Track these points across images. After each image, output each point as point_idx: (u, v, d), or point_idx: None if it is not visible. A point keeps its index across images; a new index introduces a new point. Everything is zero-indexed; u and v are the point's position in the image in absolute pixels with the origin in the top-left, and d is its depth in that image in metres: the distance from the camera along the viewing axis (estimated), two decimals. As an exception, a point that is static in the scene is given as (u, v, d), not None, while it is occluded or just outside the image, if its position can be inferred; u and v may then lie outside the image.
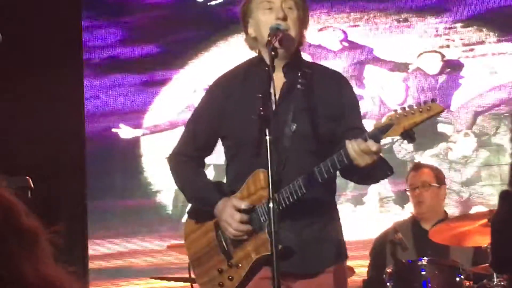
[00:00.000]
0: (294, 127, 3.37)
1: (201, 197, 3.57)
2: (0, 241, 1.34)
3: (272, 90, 3.17)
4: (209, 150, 3.68)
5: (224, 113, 3.53)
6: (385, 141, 3.61)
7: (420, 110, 3.07)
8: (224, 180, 3.68)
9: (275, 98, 3.38)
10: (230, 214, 3.40)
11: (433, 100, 3.09)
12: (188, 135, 3.66)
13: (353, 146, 3.11)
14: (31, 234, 1.41)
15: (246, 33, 3.59)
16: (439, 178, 5.61)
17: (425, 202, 5.51)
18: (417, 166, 5.74)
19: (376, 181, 3.55)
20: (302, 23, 3.49)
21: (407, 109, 3.09)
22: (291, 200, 3.28)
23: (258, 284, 3.44)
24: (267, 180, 3.22)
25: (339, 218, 3.56)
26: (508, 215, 2.82)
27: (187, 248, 3.68)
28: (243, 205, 3.38)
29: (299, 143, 3.36)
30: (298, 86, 3.43)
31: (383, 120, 3.17)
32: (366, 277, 5.67)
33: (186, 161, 3.64)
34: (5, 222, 1.37)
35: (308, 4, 3.58)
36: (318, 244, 3.42)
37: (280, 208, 3.17)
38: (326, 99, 3.47)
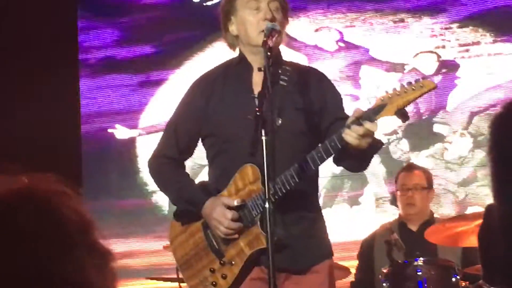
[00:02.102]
0: (280, 122, 3.39)
1: (187, 198, 3.55)
2: (76, 250, 1.39)
3: (266, 90, 3.17)
4: (190, 152, 3.68)
5: (206, 112, 3.54)
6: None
7: (413, 88, 3.10)
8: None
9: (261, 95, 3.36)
10: (220, 212, 3.39)
11: (424, 78, 3.12)
12: (169, 136, 3.64)
13: (350, 133, 3.12)
14: (104, 255, 1.47)
15: (226, 30, 3.61)
16: (430, 180, 5.62)
17: (416, 205, 5.52)
18: (409, 167, 5.72)
19: (370, 159, 3.46)
20: (285, 23, 3.53)
21: (399, 88, 3.11)
22: (284, 191, 3.28)
23: (249, 285, 3.44)
24: (256, 174, 3.27)
25: (322, 216, 3.58)
26: (492, 230, 2.82)
27: (174, 251, 3.65)
28: (235, 202, 3.38)
29: (285, 138, 3.37)
30: (281, 82, 3.46)
31: (375, 101, 3.18)
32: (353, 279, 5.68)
33: (168, 163, 3.62)
34: (83, 235, 1.43)
35: (289, 6, 3.60)
36: (306, 240, 3.44)
37: (273, 200, 3.15)
38: (308, 94, 3.50)
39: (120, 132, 7.37)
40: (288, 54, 3.95)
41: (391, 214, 6.63)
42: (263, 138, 3.04)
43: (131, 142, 7.36)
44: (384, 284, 4.80)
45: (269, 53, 3.22)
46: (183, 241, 3.60)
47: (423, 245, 5.12)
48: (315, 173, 3.47)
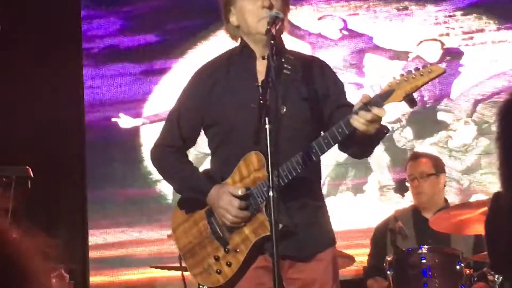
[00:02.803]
0: (284, 109, 3.39)
1: (192, 186, 3.54)
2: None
3: (270, 79, 3.16)
4: (193, 141, 3.67)
5: (209, 101, 3.53)
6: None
7: (421, 73, 3.10)
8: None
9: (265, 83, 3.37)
10: (228, 201, 3.39)
11: (432, 64, 3.12)
12: (172, 125, 3.62)
13: (358, 119, 3.13)
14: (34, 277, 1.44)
15: (228, 21, 3.63)
16: (438, 166, 5.59)
17: (424, 193, 5.51)
18: (415, 156, 5.71)
19: (376, 145, 3.46)
20: (286, 11, 3.51)
21: (406, 74, 3.10)
22: (290, 177, 3.28)
23: (252, 274, 3.44)
24: (261, 161, 3.29)
25: (325, 204, 3.59)
26: (500, 217, 2.82)
27: (177, 240, 3.64)
28: (240, 191, 3.37)
29: (289, 126, 3.38)
30: (284, 70, 3.46)
31: (383, 87, 3.18)
32: (366, 265, 5.68)
33: (171, 152, 3.60)
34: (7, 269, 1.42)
35: None
36: (310, 228, 3.44)
37: (279, 185, 3.16)
38: (311, 82, 3.50)
39: (124, 121, 7.37)
40: (291, 43, 3.94)
41: (395, 202, 6.64)
42: (267, 126, 3.04)
43: (135, 131, 7.36)
44: (388, 272, 4.81)
45: (272, 42, 3.21)
46: (186, 230, 3.60)
47: (436, 233, 5.11)
48: (318, 161, 3.47)
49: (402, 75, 3.13)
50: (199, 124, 3.60)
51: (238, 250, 3.44)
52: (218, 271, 3.49)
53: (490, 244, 2.94)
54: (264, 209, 3.36)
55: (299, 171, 3.28)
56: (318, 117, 3.47)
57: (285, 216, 3.30)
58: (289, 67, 3.48)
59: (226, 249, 3.47)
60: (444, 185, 5.66)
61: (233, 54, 3.61)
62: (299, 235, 3.39)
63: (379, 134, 3.29)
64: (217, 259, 3.50)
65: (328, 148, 3.27)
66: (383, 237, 5.44)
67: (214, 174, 3.55)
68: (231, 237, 3.46)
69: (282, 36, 3.55)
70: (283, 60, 3.47)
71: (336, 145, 3.34)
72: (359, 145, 3.38)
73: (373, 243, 5.60)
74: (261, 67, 3.42)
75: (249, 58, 3.53)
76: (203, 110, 3.55)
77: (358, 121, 3.14)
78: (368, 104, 3.13)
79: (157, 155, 3.65)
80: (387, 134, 3.59)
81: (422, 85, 3.12)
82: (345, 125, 3.19)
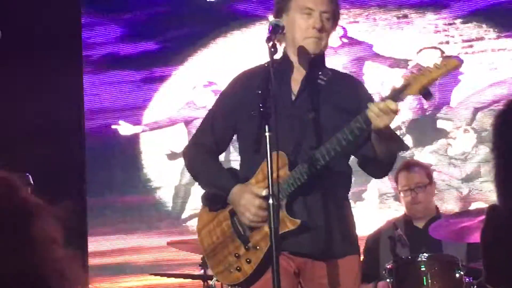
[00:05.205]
0: (312, 115, 3.49)
1: (216, 183, 3.61)
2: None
3: (270, 87, 3.19)
4: (227, 144, 3.75)
5: (243, 107, 3.58)
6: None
7: (437, 66, 3.18)
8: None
9: (297, 89, 3.54)
10: (248, 199, 3.45)
11: (448, 57, 3.20)
12: (207, 128, 3.72)
13: (372, 108, 3.23)
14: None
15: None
16: (429, 175, 5.59)
17: (420, 203, 5.49)
18: (408, 166, 5.62)
19: (393, 157, 3.59)
20: (331, 32, 3.63)
21: (422, 68, 3.20)
22: (327, 158, 3.36)
23: (269, 277, 3.44)
24: (283, 160, 3.38)
25: (351, 208, 3.68)
26: (497, 231, 2.82)
27: (201, 240, 3.70)
28: (264, 192, 3.40)
29: (316, 131, 3.48)
30: (319, 80, 3.56)
31: (401, 82, 3.26)
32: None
33: (203, 151, 3.68)
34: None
35: (340, 15, 3.70)
36: (334, 231, 3.50)
37: (314, 169, 3.33)
38: (344, 94, 3.61)
39: (124, 128, 7.38)
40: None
41: (395, 210, 6.63)
42: (267, 134, 3.08)
43: (135, 138, 7.36)
44: (388, 280, 4.80)
45: (272, 49, 3.24)
46: (210, 230, 3.65)
47: (428, 241, 5.12)
48: (349, 170, 3.63)
49: (418, 69, 3.20)
50: (232, 129, 3.67)
51: (258, 247, 3.50)
52: (238, 268, 3.53)
53: (486, 258, 2.94)
54: (284, 206, 3.41)
55: (323, 162, 3.35)
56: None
57: (305, 214, 3.42)
58: (325, 78, 3.58)
59: (247, 247, 3.52)
60: (434, 192, 5.66)
61: (274, 62, 3.62)
62: (320, 235, 3.45)
63: (394, 142, 3.42)
64: (237, 256, 3.54)
65: (347, 143, 3.34)
66: (375, 247, 5.43)
67: (239, 172, 3.63)
68: (252, 235, 3.52)
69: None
70: (320, 72, 3.58)
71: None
72: (377, 161, 3.49)
73: (366, 253, 5.58)
74: (296, 76, 3.57)
75: (286, 67, 3.60)
76: (235, 117, 3.62)
77: (373, 111, 3.23)
78: (385, 98, 3.24)
79: (189, 153, 3.74)
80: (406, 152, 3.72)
81: (438, 78, 3.20)
82: (362, 119, 3.29)
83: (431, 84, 3.19)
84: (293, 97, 3.55)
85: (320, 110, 3.51)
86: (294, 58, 3.61)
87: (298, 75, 3.57)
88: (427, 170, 5.60)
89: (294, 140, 3.47)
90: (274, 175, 3.42)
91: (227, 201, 3.56)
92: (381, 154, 3.46)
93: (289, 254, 3.46)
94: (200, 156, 3.69)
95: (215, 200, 3.61)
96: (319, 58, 3.62)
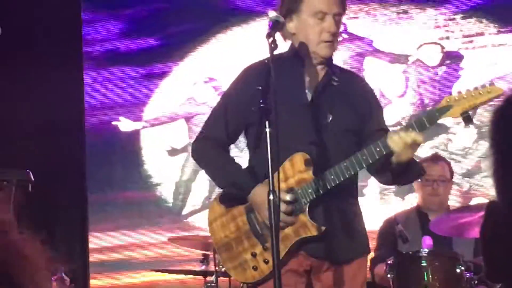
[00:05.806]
0: (330, 118, 3.48)
1: (235, 182, 3.56)
2: None
3: (270, 83, 3.17)
4: (237, 137, 3.69)
5: (255, 100, 3.52)
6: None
7: (480, 92, 3.20)
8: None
9: (315, 89, 3.53)
10: None
11: (492, 84, 3.20)
12: (218, 120, 3.64)
13: (395, 139, 3.27)
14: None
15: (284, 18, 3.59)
16: (452, 172, 5.67)
17: (440, 196, 5.53)
18: (436, 158, 5.71)
19: (407, 181, 3.68)
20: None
21: (465, 92, 3.23)
22: (337, 181, 3.38)
23: (286, 277, 3.43)
24: (308, 162, 3.40)
25: (360, 210, 3.67)
26: (497, 227, 2.82)
27: (213, 233, 3.65)
28: (288, 197, 3.40)
29: (332, 134, 3.48)
30: (334, 83, 3.55)
31: (442, 102, 3.29)
32: (373, 255, 5.65)
33: (215, 146, 3.62)
34: None
35: None
36: (346, 233, 3.51)
37: (326, 188, 3.36)
38: (357, 98, 3.61)
39: (124, 124, 7.38)
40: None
41: (395, 205, 6.64)
42: (267, 130, 3.06)
43: (135, 134, 7.37)
44: (388, 275, 4.80)
45: (272, 46, 3.22)
46: (223, 223, 3.60)
47: (439, 234, 5.11)
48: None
49: (459, 92, 3.23)
50: (243, 122, 3.61)
51: None
52: (254, 267, 3.51)
53: (486, 254, 2.94)
54: (307, 210, 3.42)
55: (347, 176, 3.37)
56: (357, 132, 3.55)
57: (322, 219, 3.42)
58: (337, 79, 3.57)
59: (265, 247, 3.49)
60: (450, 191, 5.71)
61: (282, 57, 3.58)
62: (335, 240, 3.46)
63: (411, 170, 3.44)
64: (254, 255, 3.52)
65: (366, 164, 3.37)
66: (392, 229, 5.41)
67: (257, 171, 3.55)
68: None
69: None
70: (333, 72, 3.57)
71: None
72: (394, 173, 3.47)
73: (381, 235, 5.55)
74: (309, 72, 3.55)
75: (297, 63, 3.57)
76: (248, 109, 3.50)
77: (395, 142, 3.25)
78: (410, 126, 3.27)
79: (200, 148, 3.67)
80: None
81: (480, 105, 3.27)
82: (382, 145, 3.30)
83: (472, 109, 3.26)
84: (309, 98, 3.52)
85: (336, 113, 3.50)
86: (306, 56, 3.56)
87: (311, 75, 3.53)
88: (450, 167, 5.66)
89: (308, 142, 3.46)
90: (297, 176, 3.46)
91: (247, 200, 3.51)
92: (398, 175, 3.47)
93: (308, 255, 3.48)
94: (214, 152, 3.62)
95: (234, 201, 3.57)
96: (330, 58, 3.60)
